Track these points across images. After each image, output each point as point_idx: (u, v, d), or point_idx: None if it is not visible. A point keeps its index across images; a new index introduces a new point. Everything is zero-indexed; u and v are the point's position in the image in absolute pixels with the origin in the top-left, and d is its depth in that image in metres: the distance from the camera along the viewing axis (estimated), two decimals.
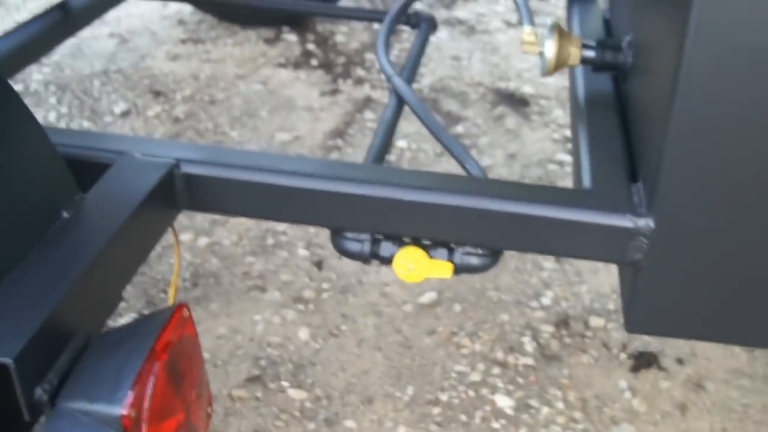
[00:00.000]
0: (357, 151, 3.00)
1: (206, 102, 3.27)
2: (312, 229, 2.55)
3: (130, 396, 1.02)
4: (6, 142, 1.21)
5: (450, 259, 1.35)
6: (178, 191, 1.38)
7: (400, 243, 1.38)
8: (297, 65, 3.59)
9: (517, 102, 3.37)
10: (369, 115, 3.24)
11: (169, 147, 1.42)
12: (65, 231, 1.21)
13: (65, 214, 1.24)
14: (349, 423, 1.96)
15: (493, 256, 1.37)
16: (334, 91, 3.40)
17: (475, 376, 2.09)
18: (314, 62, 3.62)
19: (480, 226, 1.33)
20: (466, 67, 3.62)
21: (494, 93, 3.43)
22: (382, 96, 3.34)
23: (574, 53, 1.59)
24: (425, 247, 1.37)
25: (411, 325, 2.24)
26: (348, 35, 3.84)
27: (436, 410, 2.00)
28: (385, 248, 1.39)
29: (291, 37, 3.80)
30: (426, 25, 2.29)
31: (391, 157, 2.95)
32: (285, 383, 2.04)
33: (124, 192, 1.30)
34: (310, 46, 3.74)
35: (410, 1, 2.18)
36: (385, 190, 1.34)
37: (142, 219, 1.29)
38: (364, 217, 1.36)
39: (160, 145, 1.43)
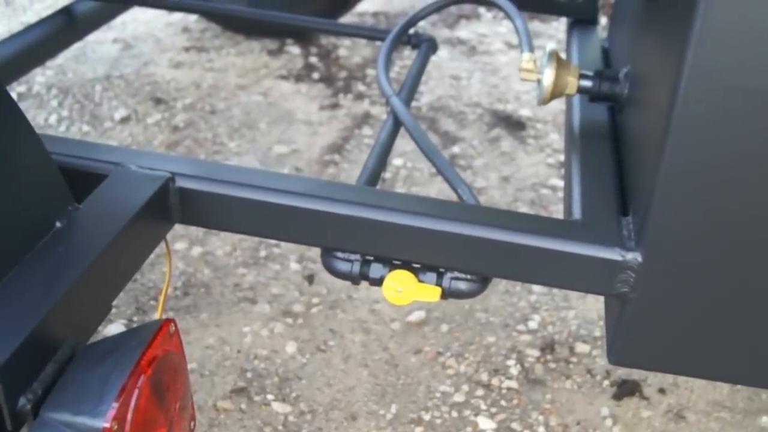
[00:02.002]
0: (354, 167, 3.01)
1: (206, 111, 3.29)
2: None
3: (113, 409, 1.03)
4: (1, 149, 1.22)
5: (438, 284, 1.36)
6: (173, 205, 1.39)
7: (390, 265, 1.40)
8: (298, 78, 3.61)
9: (513, 124, 3.39)
10: (367, 131, 3.26)
11: (165, 160, 1.44)
12: (57, 241, 1.22)
13: (59, 224, 1.25)
14: None
15: (482, 282, 1.38)
16: (334, 106, 3.42)
17: (459, 397, 2.10)
18: (316, 75, 3.64)
19: (469, 252, 1.35)
20: (465, 87, 3.64)
21: (492, 114, 3.45)
22: (381, 112, 3.36)
23: (572, 83, 1.61)
24: (414, 270, 1.38)
25: (398, 344, 2.25)
26: (351, 50, 3.86)
27: (418, 429, 2.02)
28: (375, 270, 1.40)
29: (294, 49, 3.82)
30: (426, 46, 2.31)
31: (387, 175, 2.96)
32: (270, 396, 2.06)
33: (119, 203, 1.32)
34: (313, 59, 3.76)
35: (412, 23, 2.19)
36: (376, 213, 1.35)
37: (136, 231, 1.30)
38: (354, 238, 1.38)
39: (156, 158, 1.45)
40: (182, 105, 3.32)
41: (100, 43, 3.77)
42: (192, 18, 3.98)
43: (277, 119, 3.29)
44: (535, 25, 4.25)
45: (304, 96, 3.49)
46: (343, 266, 1.41)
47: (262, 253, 2.53)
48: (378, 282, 1.41)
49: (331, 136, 3.22)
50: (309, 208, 1.36)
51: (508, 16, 1.83)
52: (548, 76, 1.59)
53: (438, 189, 2.87)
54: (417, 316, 2.33)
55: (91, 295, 1.21)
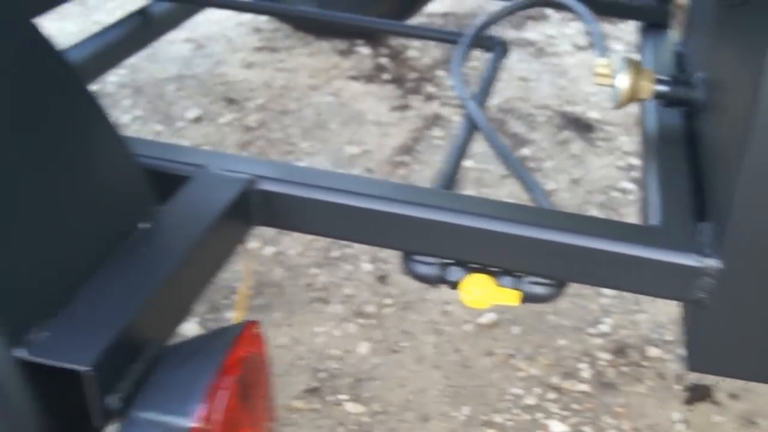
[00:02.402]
0: (424, 168, 3.03)
1: (278, 112, 3.33)
2: None
3: (200, 409, 1.06)
4: (86, 151, 1.25)
5: (518, 288, 1.37)
6: (253, 207, 1.41)
7: (468, 269, 1.41)
8: (369, 78, 3.63)
9: (583, 127, 3.38)
10: (437, 132, 3.27)
11: (247, 163, 1.46)
12: (142, 242, 1.25)
13: (142, 225, 1.28)
14: None
15: (560, 286, 1.38)
16: (404, 107, 3.44)
17: (531, 400, 2.11)
18: (386, 76, 3.65)
19: (548, 257, 1.35)
20: (534, 89, 3.63)
21: (561, 116, 3.43)
22: (452, 114, 3.37)
23: (647, 87, 1.60)
24: (492, 274, 1.39)
25: (470, 345, 2.26)
26: (421, 50, 3.87)
27: (490, 431, 2.02)
28: (454, 273, 1.41)
29: (364, 49, 3.84)
30: (499, 49, 2.31)
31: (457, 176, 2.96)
32: (343, 396, 2.08)
33: (201, 205, 1.34)
34: (383, 60, 3.78)
35: (486, 26, 2.20)
36: (456, 217, 1.36)
37: (217, 233, 1.33)
38: (434, 242, 1.39)
39: (237, 160, 1.47)
40: (254, 105, 3.36)
41: (172, 43, 3.82)
42: (263, 18, 4.02)
43: (347, 120, 3.31)
44: (603, 27, 4.22)
45: (375, 97, 3.50)
46: (422, 269, 1.43)
47: (334, 254, 2.55)
48: (456, 285, 1.42)
49: (402, 137, 3.23)
50: (390, 211, 1.38)
51: (582, 20, 1.83)
52: (624, 81, 1.58)
53: (508, 191, 2.87)
54: (488, 318, 2.34)
55: (176, 296, 1.24)
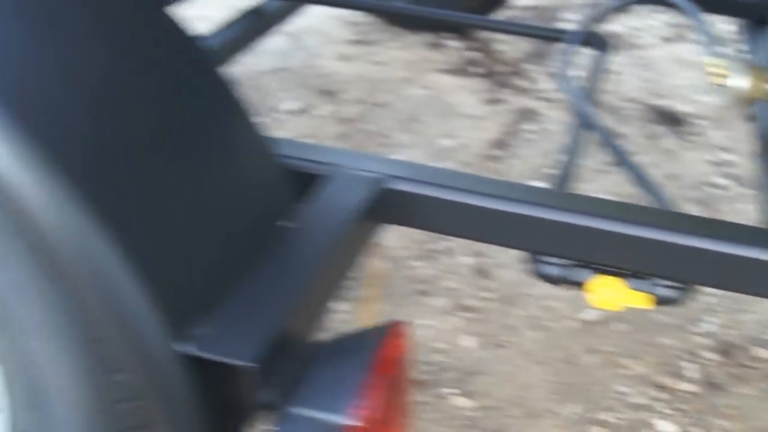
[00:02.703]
0: (519, 162, 3.03)
1: (373, 104, 3.36)
2: None
3: (355, 407, 1.09)
4: (234, 152, 1.29)
5: (651, 291, 1.38)
6: (385, 206, 1.44)
7: (595, 270, 1.42)
8: (459, 72, 3.64)
9: (672, 120, 3.35)
10: (530, 126, 3.27)
11: (378, 162, 1.49)
12: (285, 241, 1.28)
13: (283, 224, 1.31)
14: None
15: (688, 288, 1.39)
16: (496, 100, 3.44)
17: (637, 399, 2.11)
18: (476, 70, 3.66)
19: (677, 261, 1.36)
20: (621, 82, 3.61)
21: (650, 110, 3.41)
22: (544, 108, 3.37)
23: (763, 87, 1.60)
24: (621, 276, 1.40)
25: (574, 342, 2.27)
26: (510, 44, 3.87)
27: (596, 429, 2.03)
28: (580, 274, 1.42)
29: (454, 43, 3.85)
30: (603, 46, 2.31)
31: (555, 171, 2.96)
32: (451, 390, 2.10)
33: (337, 205, 1.37)
34: (473, 54, 3.79)
35: (589, 23, 2.20)
36: (583, 219, 1.37)
37: (354, 232, 1.36)
38: (560, 243, 1.40)
39: (370, 159, 1.50)
40: (350, 97, 3.39)
41: (269, 36, 3.86)
42: (357, 12, 4.05)
43: (440, 113, 3.33)
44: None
45: (466, 90, 3.51)
46: (549, 270, 1.44)
47: (435, 247, 2.58)
48: (582, 286, 1.44)
49: (495, 130, 3.24)
50: (518, 213, 1.39)
51: (690, 17, 1.83)
52: (742, 81, 1.58)
53: (602, 185, 2.86)
54: (592, 315, 2.34)
55: (322, 294, 1.27)
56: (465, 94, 3.48)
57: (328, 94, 3.43)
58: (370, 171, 1.44)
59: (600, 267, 1.42)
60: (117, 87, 1.18)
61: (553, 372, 2.17)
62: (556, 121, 3.29)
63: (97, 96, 1.15)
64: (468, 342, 2.25)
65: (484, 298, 2.40)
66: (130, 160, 1.13)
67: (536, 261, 1.44)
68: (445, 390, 2.11)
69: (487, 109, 3.38)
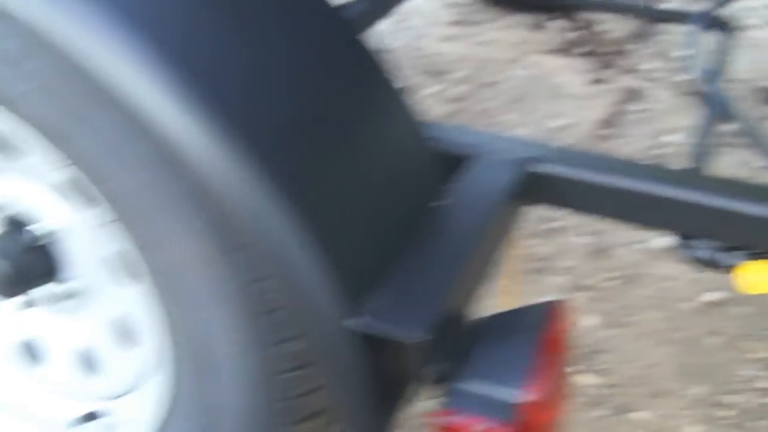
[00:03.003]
0: (628, 142, 3.01)
1: (479, 84, 3.36)
2: None
3: (527, 385, 1.10)
4: (389, 130, 1.31)
5: None
6: (530, 188, 1.44)
7: (745, 254, 1.41)
8: (563, 52, 3.62)
9: None
10: (637, 106, 3.24)
11: (520, 144, 1.49)
12: (439, 220, 1.30)
13: (434, 204, 1.33)
14: (640, 414, 2.01)
15: None
16: (601, 80, 3.42)
17: (763, 383, 2.09)
18: (579, 50, 3.64)
19: None
20: (730, 64, 3.55)
21: (760, 92, 3.35)
22: (650, 87, 3.34)
23: None
24: None
25: (696, 323, 2.25)
26: (612, 24, 3.83)
27: (720, 413, 2.02)
28: (730, 258, 1.41)
29: (555, 23, 3.83)
30: (728, 28, 2.28)
31: (665, 151, 2.94)
32: (579, 367, 2.10)
33: (485, 187, 1.38)
34: (575, 34, 3.76)
35: (717, 5, 2.17)
36: (734, 203, 1.36)
37: (502, 212, 1.36)
38: (708, 226, 1.39)
39: (512, 142, 1.50)
40: (455, 78, 3.40)
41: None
42: None
43: (546, 93, 3.32)
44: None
45: (570, 70, 3.49)
46: (698, 254, 1.44)
47: (551, 225, 2.57)
48: (731, 270, 1.42)
49: (602, 110, 3.22)
50: (666, 195, 1.38)
51: None
52: None
53: (728, 164, 2.83)
54: (714, 296, 2.32)
55: (476, 273, 1.28)
56: (570, 74, 3.45)
57: (435, 74, 3.44)
58: (512, 153, 1.45)
59: (750, 251, 1.41)
60: (284, 64, 1.21)
61: (676, 352, 2.16)
62: (662, 101, 3.25)
63: (270, 73, 1.18)
64: (590, 321, 2.25)
65: (603, 278, 2.39)
66: (303, 137, 1.15)
67: (685, 244, 1.44)
68: (573, 367, 2.11)
69: (592, 89, 3.36)
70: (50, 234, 1.42)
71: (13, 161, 1.41)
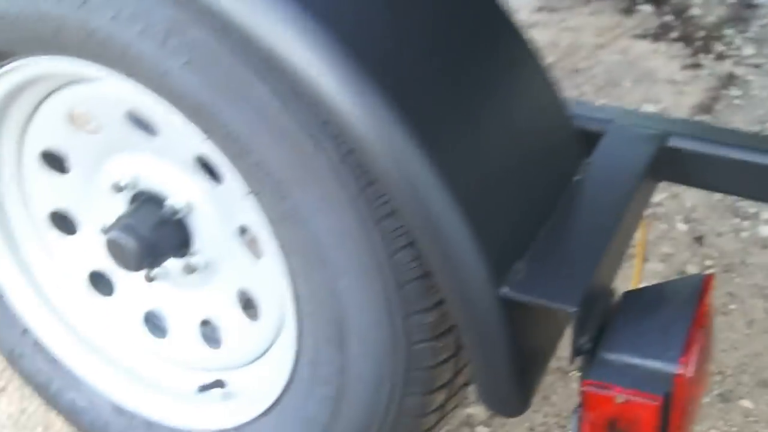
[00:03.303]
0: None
1: (569, 70, 3.33)
2: (689, 203, 2.57)
3: (684, 356, 1.09)
4: (534, 102, 1.31)
5: None
6: (665, 164, 1.43)
7: None
8: (655, 37, 3.58)
9: None
10: (735, 92, 3.19)
11: (656, 120, 1.49)
12: (582, 193, 1.30)
13: (576, 178, 1.33)
14: (745, 402, 1.99)
15: None
16: (696, 65, 3.37)
17: None
18: (672, 35, 3.59)
19: None
20: None
21: None
22: (747, 73, 3.29)
23: None
24: None
25: None
26: (704, 8, 3.78)
27: None
28: None
29: (646, 8, 3.79)
30: None
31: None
32: None
33: (623, 162, 1.38)
34: (667, 18, 3.71)
35: None
36: None
37: (640, 188, 1.36)
38: None
39: (646, 117, 1.50)
40: (546, 64, 3.37)
41: None
42: None
43: (639, 78, 3.29)
44: None
45: (663, 55, 3.45)
46: None
47: (653, 210, 2.55)
48: None
49: (698, 96, 3.18)
50: None
51: None
52: None
53: None
54: None
55: (619, 246, 1.28)
56: (662, 59, 3.42)
57: None
58: (646, 128, 1.44)
59: None
60: (443, 43, 1.23)
61: None
62: (762, 87, 3.20)
63: (427, 48, 1.19)
64: None
65: (703, 266, 2.37)
66: (456, 107, 1.16)
67: None
68: None
69: (687, 74, 3.32)
70: (181, 209, 1.45)
71: (147, 138, 1.44)
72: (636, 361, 1.12)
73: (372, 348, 1.28)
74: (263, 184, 1.23)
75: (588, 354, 1.15)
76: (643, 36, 3.59)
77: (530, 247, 1.18)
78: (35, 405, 1.98)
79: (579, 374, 1.19)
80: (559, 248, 1.18)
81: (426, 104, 1.13)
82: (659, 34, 3.60)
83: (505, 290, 1.11)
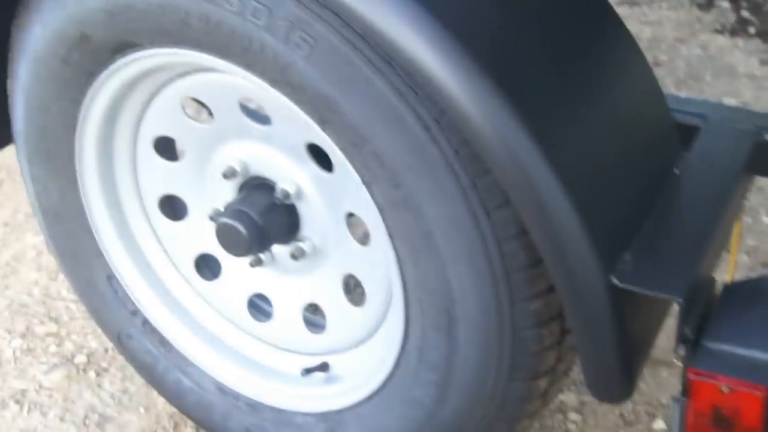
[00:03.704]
0: None
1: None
2: None
3: None
4: (638, 94, 1.34)
5: None
6: (759, 158, 1.45)
7: None
8: (733, 32, 3.57)
9: None
10: None
11: (750, 115, 1.51)
12: (683, 186, 1.33)
13: (677, 171, 1.36)
14: None
15: None
16: None
17: None
18: (751, 30, 3.58)
19: None
20: None
21: None
22: None
23: None
24: None
25: None
26: None
27: None
28: None
29: (724, 3, 3.78)
30: None
31: None
32: None
33: (721, 155, 1.41)
34: (745, 14, 3.70)
35: None
36: None
37: (738, 183, 1.39)
38: None
39: (741, 112, 1.52)
40: None
41: None
42: None
43: (719, 72, 3.29)
44: None
45: (742, 50, 3.44)
46: None
47: None
48: None
49: None
50: None
51: None
52: None
53: None
54: None
55: (719, 239, 1.31)
56: (742, 55, 3.41)
57: None
58: (740, 123, 1.46)
59: None
60: (541, 23, 1.27)
61: None
62: None
63: (529, 28, 1.23)
64: None
65: None
66: (566, 97, 1.20)
67: None
68: None
69: (766, 69, 3.31)
70: (291, 194, 1.50)
71: (258, 127, 1.50)
72: (741, 351, 1.15)
73: (479, 334, 1.33)
74: (377, 173, 1.28)
75: (692, 343, 1.18)
76: (721, 31, 3.59)
77: (636, 237, 1.21)
78: (137, 385, 2.06)
79: (681, 363, 1.22)
80: (664, 239, 1.21)
81: (538, 97, 1.17)
82: (737, 30, 3.59)
83: (614, 279, 1.15)
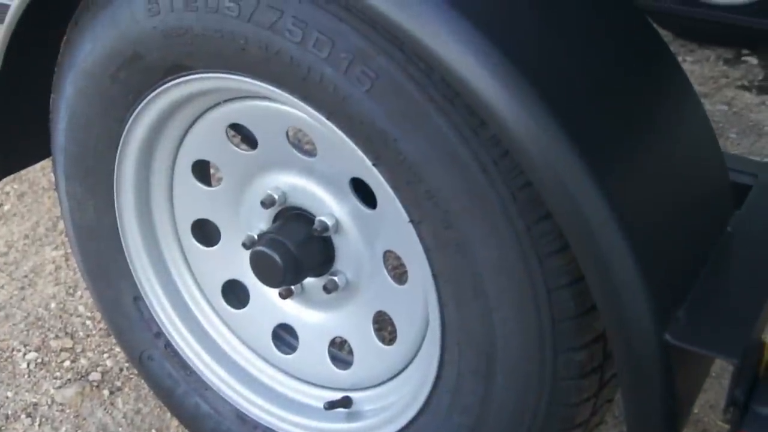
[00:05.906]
0: None
1: None
2: None
3: None
4: (698, 154, 1.33)
5: None
6: None
7: None
8: (761, 89, 3.57)
9: None
10: None
11: None
12: (735, 244, 1.32)
13: (729, 229, 1.35)
14: None
15: None
16: None
17: None
18: None
19: None
20: None
21: None
22: None
23: None
24: None
25: None
26: None
27: None
28: None
29: (752, 59, 3.78)
30: None
31: None
32: None
33: None
34: None
35: None
36: None
37: None
38: None
39: None
40: None
41: None
42: None
43: (745, 130, 3.28)
44: None
45: None
46: None
47: None
48: None
49: None
50: None
51: None
52: None
53: None
54: None
55: None
56: None
57: None
58: None
59: None
60: (606, 69, 1.26)
61: None
62: None
63: (592, 72, 1.22)
64: None
65: None
66: (626, 149, 1.19)
67: None
68: None
69: None
70: (329, 228, 1.48)
71: (302, 158, 1.48)
72: None
73: (518, 382, 1.31)
74: (428, 213, 1.26)
75: (741, 407, 1.16)
76: (748, 88, 3.59)
77: (690, 293, 1.20)
78: (150, 406, 2.04)
79: (728, 426, 1.20)
80: (718, 298, 1.20)
81: (602, 145, 1.16)
82: (765, 87, 3.59)
83: (668, 337, 1.13)
